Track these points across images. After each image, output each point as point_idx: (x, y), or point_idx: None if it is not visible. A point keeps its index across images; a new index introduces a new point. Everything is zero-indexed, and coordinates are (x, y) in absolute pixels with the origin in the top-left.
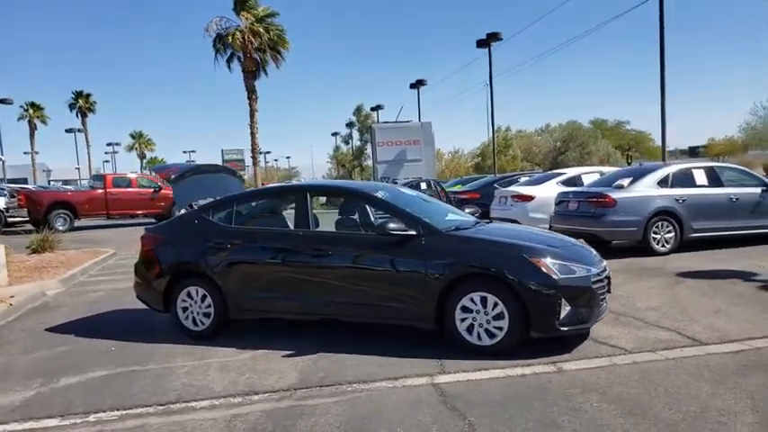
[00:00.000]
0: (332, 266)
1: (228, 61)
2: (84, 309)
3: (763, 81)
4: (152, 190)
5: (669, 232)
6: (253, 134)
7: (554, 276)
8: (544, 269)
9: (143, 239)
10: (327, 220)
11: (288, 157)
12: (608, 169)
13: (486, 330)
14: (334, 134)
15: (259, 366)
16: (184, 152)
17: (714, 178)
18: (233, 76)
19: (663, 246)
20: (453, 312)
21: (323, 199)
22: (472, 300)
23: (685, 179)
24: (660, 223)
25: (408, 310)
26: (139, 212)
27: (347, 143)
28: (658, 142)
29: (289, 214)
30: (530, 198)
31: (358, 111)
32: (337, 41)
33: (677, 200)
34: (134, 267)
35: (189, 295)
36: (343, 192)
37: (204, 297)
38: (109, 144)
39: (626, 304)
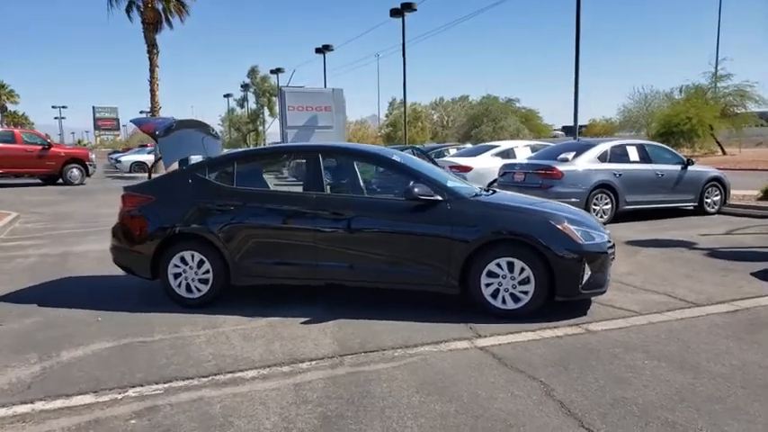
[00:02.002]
0: (351, 231)
1: (128, 10)
2: (26, 277)
3: (649, 69)
4: (40, 147)
5: (607, 204)
6: (153, 91)
7: (579, 242)
8: (571, 235)
9: (126, 199)
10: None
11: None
12: (538, 143)
13: (512, 295)
14: (227, 96)
15: (284, 334)
16: (54, 107)
17: (644, 155)
18: (132, 27)
19: (601, 216)
20: (479, 277)
21: (332, 161)
22: (498, 265)
23: (620, 155)
24: (599, 195)
25: (432, 276)
26: (25, 171)
27: (242, 106)
28: (546, 120)
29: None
30: (468, 169)
31: (253, 72)
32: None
33: (615, 174)
34: (113, 230)
35: (183, 260)
36: (360, 155)
37: (201, 262)
38: None
39: None
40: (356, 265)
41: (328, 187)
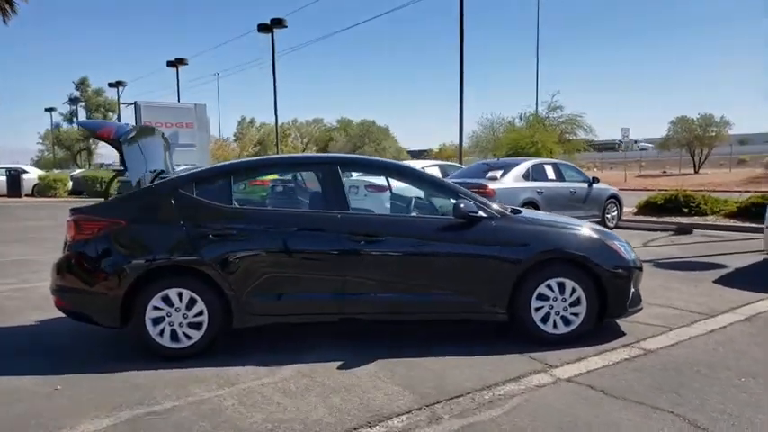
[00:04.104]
0: (385, 256)
1: None
2: None
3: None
4: None
5: None
6: None
7: (627, 258)
8: (619, 252)
9: (78, 225)
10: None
11: None
12: (447, 164)
13: (563, 318)
14: (49, 110)
15: (329, 384)
16: None
17: (558, 174)
18: None
19: None
20: (529, 300)
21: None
22: (549, 286)
23: (540, 173)
24: None
25: (477, 302)
26: None
27: (70, 121)
28: (400, 142)
29: (293, 192)
30: (385, 189)
31: (82, 84)
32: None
33: (538, 192)
34: (57, 267)
35: (166, 301)
36: (384, 168)
37: (192, 302)
38: None
39: None
40: (391, 296)
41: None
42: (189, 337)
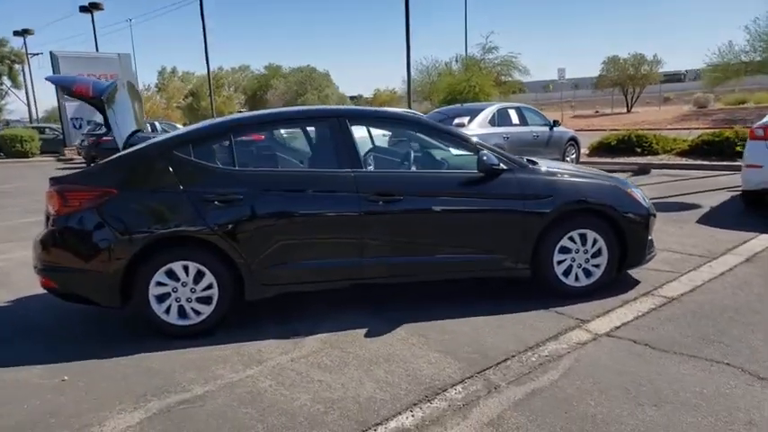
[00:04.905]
0: (405, 215)
1: None
2: None
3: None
4: None
5: None
6: None
7: (644, 205)
8: (638, 200)
9: (63, 196)
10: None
11: None
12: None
13: (585, 270)
14: None
15: (363, 354)
16: None
17: (522, 118)
18: None
19: None
20: (551, 254)
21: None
22: (571, 239)
23: (505, 118)
24: None
25: (499, 258)
26: None
27: None
28: (340, 87)
29: (298, 148)
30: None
31: None
32: None
33: (504, 137)
34: (41, 243)
35: (171, 275)
36: (394, 119)
37: (200, 275)
38: None
39: None
40: (411, 258)
41: (363, 162)
42: (198, 313)
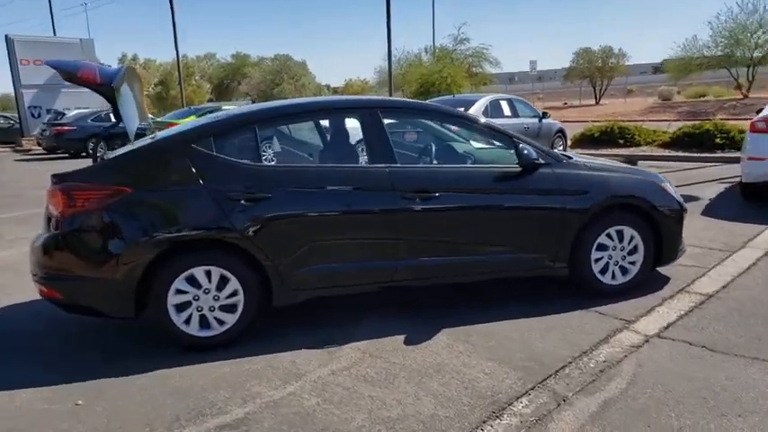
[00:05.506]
0: (443, 213)
1: None
2: None
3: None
4: None
5: None
6: None
7: (679, 200)
8: (673, 194)
9: (69, 195)
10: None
11: None
12: None
13: (621, 267)
14: None
15: (410, 364)
16: None
17: (513, 109)
18: None
19: None
20: (589, 252)
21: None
22: (609, 235)
23: (497, 110)
24: None
25: (537, 257)
26: None
27: None
28: (317, 78)
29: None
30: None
31: None
32: None
33: None
34: (43, 249)
35: (192, 282)
36: (429, 111)
37: (224, 281)
38: None
39: None
40: (448, 258)
41: (396, 157)
42: (222, 323)
